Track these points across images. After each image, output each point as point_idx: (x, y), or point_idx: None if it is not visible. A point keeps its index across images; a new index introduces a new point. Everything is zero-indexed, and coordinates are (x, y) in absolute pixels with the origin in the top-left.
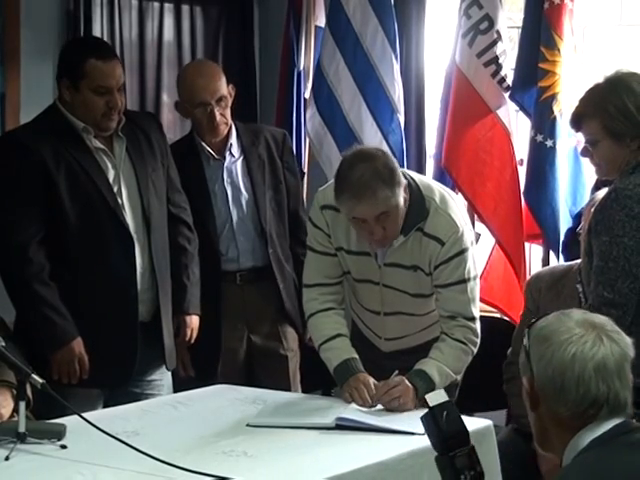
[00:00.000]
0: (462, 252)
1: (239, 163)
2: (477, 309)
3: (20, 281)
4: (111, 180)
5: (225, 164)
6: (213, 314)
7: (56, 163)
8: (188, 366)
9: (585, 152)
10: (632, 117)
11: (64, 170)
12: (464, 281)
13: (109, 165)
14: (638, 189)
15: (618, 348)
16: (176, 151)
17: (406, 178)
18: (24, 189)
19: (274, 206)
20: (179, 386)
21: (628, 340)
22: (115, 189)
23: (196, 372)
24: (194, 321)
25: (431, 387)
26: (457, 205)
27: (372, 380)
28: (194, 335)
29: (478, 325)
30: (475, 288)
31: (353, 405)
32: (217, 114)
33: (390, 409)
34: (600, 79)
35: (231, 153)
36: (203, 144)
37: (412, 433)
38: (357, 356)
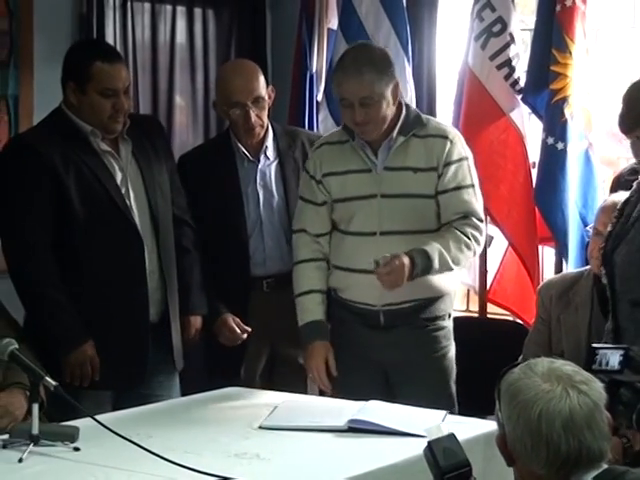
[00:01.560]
0: (467, 158)
1: (273, 166)
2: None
3: (31, 284)
4: (119, 182)
5: (259, 166)
6: (239, 317)
7: (65, 166)
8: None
9: (634, 147)
10: None
11: (73, 173)
12: (472, 186)
13: (116, 167)
14: None
15: (587, 399)
16: (210, 149)
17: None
18: (35, 192)
19: None
20: (191, 387)
21: (598, 385)
22: (123, 191)
23: (219, 373)
24: (198, 322)
25: (429, 266)
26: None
27: (330, 354)
28: (197, 335)
29: (484, 227)
30: (479, 196)
31: (366, 406)
32: (252, 115)
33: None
34: None
35: (266, 155)
36: (239, 145)
37: (424, 436)
38: (321, 318)
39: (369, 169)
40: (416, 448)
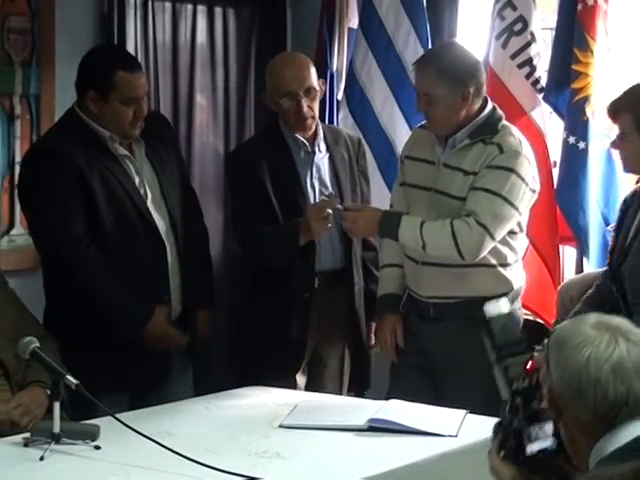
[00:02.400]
0: (511, 170)
1: (326, 160)
2: (497, 229)
3: (90, 278)
4: (137, 184)
5: (315, 159)
6: (301, 313)
7: (90, 170)
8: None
9: (614, 144)
10: None
11: (98, 177)
12: (497, 194)
13: (133, 170)
14: None
15: (636, 349)
16: (261, 146)
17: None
18: (67, 194)
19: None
20: (210, 386)
21: None
22: (142, 192)
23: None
24: (207, 316)
25: (393, 233)
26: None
27: (399, 326)
28: (207, 330)
29: (487, 241)
30: (503, 211)
31: (386, 406)
32: (304, 105)
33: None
34: None
35: (319, 148)
36: (295, 135)
37: (442, 435)
38: (394, 291)
39: (433, 162)
40: (436, 448)
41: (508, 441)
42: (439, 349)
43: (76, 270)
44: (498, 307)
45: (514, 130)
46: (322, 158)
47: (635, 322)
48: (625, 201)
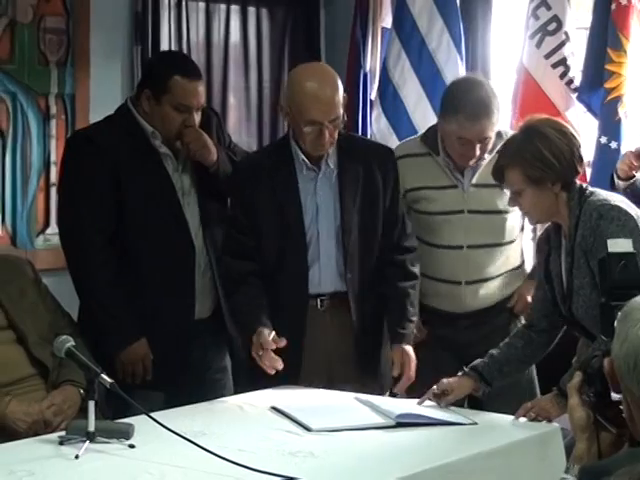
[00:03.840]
0: None
1: (334, 176)
2: None
3: (87, 278)
4: (174, 182)
5: (319, 176)
6: (296, 336)
7: (124, 161)
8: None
9: (512, 202)
10: (548, 162)
11: (131, 169)
12: None
13: (172, 169)
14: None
15: None
16: (266, 156)
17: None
18: (94, 187)
19: (363, 226)
20: (244, 385)
21: None
22: (177, 191)
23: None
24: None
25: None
26: None
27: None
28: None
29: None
30: None
31: (409, 402)
32: (327, 135)
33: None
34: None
35: (327, 164)
36: (299, 152)
37: (464, 424)
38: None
39: (455, 185)
40: (469, 448)
41: (593, 385)
42: (470, 338)
43: (80, 265)
44: (622, 245)
45: (510, 130)
46: (329, 175)
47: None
48: (539, 249)
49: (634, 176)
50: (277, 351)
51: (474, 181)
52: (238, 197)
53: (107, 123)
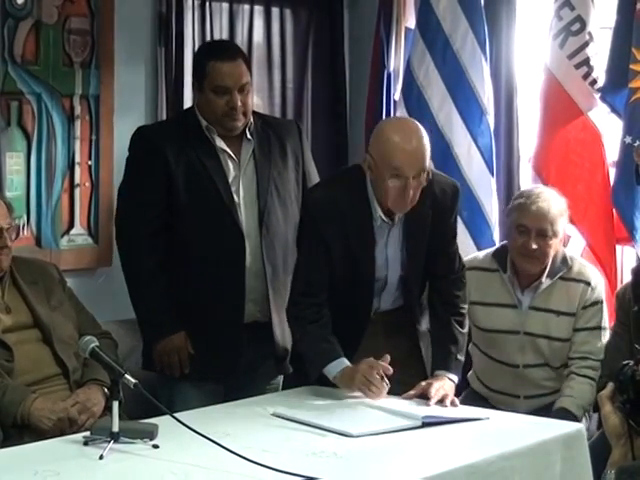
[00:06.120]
0: (602, 301)
1: (401, 224)
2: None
3: (130, 267)
4: (230, 180)
5: (392, 229)
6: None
7: (177, 158)
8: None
9: None
10: None
11: (184, 166)
12: (600, 328)
13: (231, 166)
14: None
15: None
16: (344, 198)
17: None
18: (146, 178)
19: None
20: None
21: None
22: (233, 189)
23: None
24: None
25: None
26: None
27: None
28: None
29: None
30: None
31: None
32: (410, 191)
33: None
34: None
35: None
36: (377, 207)
37: (480, 419)
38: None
39: (515, 305)
40: (493, 449)
41: (626, 392)
42: None
43: (129, 256)
44: None
45: (579, 257)
46: (398, 225)
47: None
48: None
49: None
50: None
51: (533, 304)
52: (313, 235)
53: (168, 121)
